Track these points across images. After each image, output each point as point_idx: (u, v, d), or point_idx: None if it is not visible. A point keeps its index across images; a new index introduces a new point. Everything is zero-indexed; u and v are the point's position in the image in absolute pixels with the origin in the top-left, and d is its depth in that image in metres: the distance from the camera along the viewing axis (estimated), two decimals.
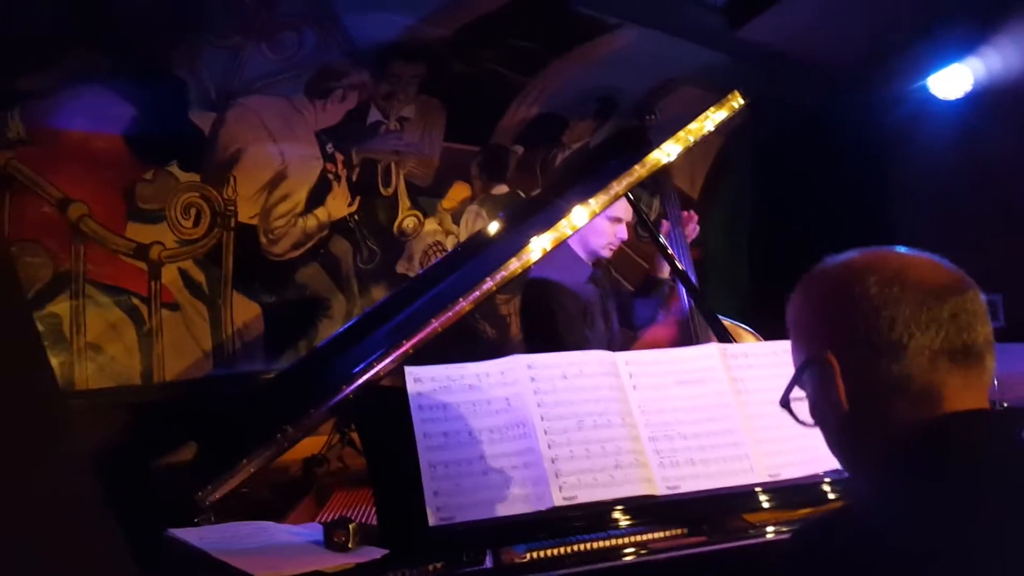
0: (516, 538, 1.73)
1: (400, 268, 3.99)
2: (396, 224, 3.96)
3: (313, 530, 1.82)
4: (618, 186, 2.47)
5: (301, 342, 3.65)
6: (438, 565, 1.63)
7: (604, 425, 1.92)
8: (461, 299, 2.17)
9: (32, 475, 1.04)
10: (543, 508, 1.78)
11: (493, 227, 2.50)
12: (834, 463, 1.13)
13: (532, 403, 1.91)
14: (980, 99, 4.02)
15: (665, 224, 3.23)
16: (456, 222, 4.18)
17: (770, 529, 1.83)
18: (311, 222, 3.66)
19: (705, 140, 2.68)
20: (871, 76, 4.10)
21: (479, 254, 2.43)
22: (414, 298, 2.35)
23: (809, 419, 1.12)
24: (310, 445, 2.31)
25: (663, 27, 3.57)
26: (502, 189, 4.32)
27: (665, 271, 3.26)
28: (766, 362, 2.12)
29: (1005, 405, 2.96)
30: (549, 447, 1.85)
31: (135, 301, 3.21)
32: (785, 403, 1.13)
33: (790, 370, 1.14)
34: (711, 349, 2.14)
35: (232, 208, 3.45)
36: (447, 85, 3.74)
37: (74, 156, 3.04)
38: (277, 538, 1.80)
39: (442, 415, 1.86)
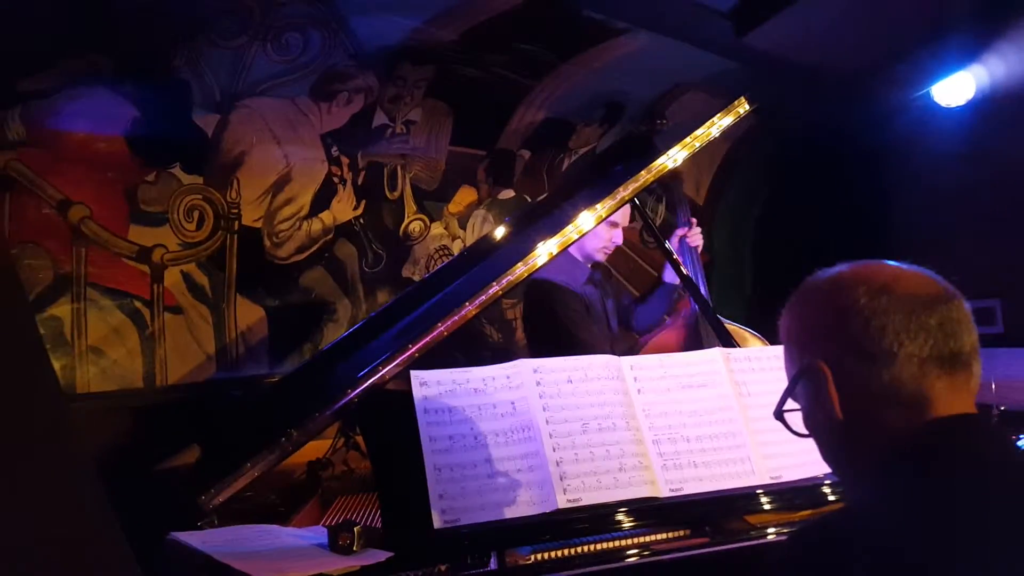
0: (521, 540, 1.73)
1: (406, 272, 3.99)
2: (402, 228, 3.96)
3: (318, 533, 1.81)
4: (625, 191, 2.48)
5: (306, 346, 3.64)
6: (443, 567, 1.63)
7: (608, 428, 1.94)
8: (467, 303, 2.18)
9: (35, 478, 1.04)
10: (547, 510, 1.79)
11: (499, 231, 2.50)
12: None
13: (537, 407, 1.93)
14: (983, 107, 4.03)
15: (680, 230, 3.24)
16: (462, 226, 4.18)
17: (771, 530, 1.84)
18: (316, 226, 3.66)
19: (711, 146, 2.69)
20: (875, 84, 4.10)
21: (485, 258, 2.43)
22: (420, 302, 2.35)
23: (803, 429, 1.16)
24: (315, 449, 2.31)
25: (670, 32, 3.56)
26: (508, 193, 4.32)
27: (672, 276, 3.27)
28: (769, 366, 2.15)
29: (1002, 409, 2.95)
30: (554, 450, 1.87)
31: (137, 304, 3.20)
32: (779, 414, 1.17)
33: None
34: (715, 354, 2.16)
35: (236, 211, 3.44)
36: (454, 88, 3.73)
37: (75, 157, 3.04)
38: (281, 541, 1.80)
39: (447, 418, 1.88)
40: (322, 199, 3.67)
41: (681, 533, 1.83)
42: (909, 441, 1.01)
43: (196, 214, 3.35)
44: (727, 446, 2.00)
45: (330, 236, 3.71)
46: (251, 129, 3.40)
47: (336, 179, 3.69)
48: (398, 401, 1.89)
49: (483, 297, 2.20)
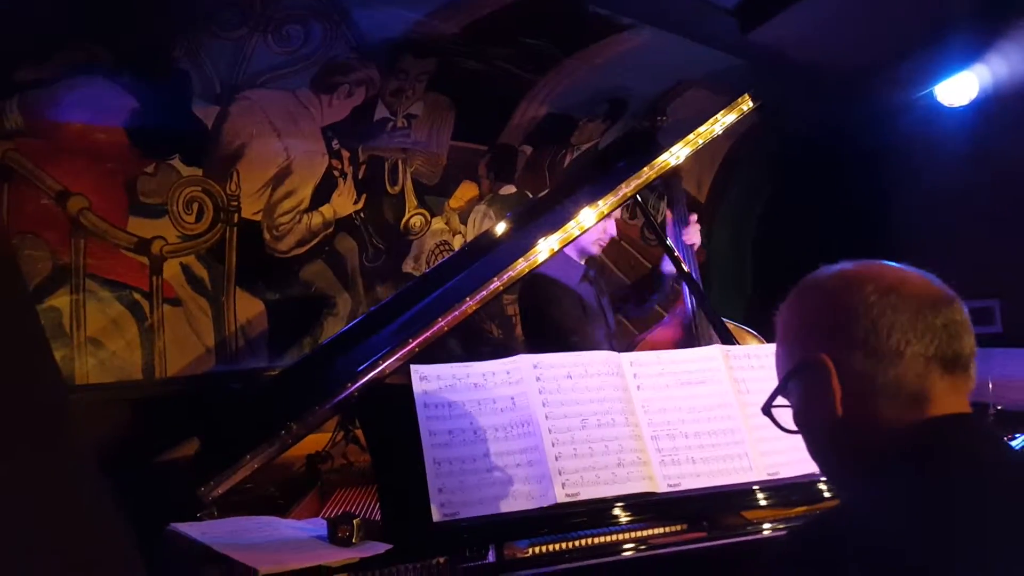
0: (519, 533, 1.74)
1: (406, 267, 3.98)
2: (403, 223, 3.95)
3: (317, 525, 1.82)
4: (627, 188, 2.47)
5: (305, 339, 3.64)
6: (441, 560, 1.63)
7: (607, 424, 1.95)
8: (468, 298, 2.18)
9: (36, 470, 1.03)
10: (546, 505, 1.81)
11: (501, 227, 2.51)
12: None
13: (537, 402, 1.94)
14: (986, 106, 4.03)
15: (670, 226, 3.24)
16: (463, 221, 4.17)
17: (767, 526, 1.86)
18: (316, 219, 3.65)
19: (713, 144, 2.68)
20: (878, 83, 4.10)
21: (486, 254, 2.44)
22: (420, 297, 2.35)
23: (792, 425, 1.16)
24: (314, 442, 2.31)
25: (674, 28, 3.56)
26: (510, 189, 4.31)
27: (669, 267, 3.28)
28: (769, 363, 2.12)
29: (999, 408, 2.96)
30: (553, 445, 1.88)
31: (136, 296, 3.19)
32: (767, 409, 1.17)
33: None
34: (714, 351, 2.18)
35: (235, 203, 3.43)
36: (456, 82, 3.72)
37: (74, 148, 3.02)
38: (281, 533, 1.80)
39: (447, 413, 1.89)
40: (322, 192, 3.66)
41: (678, 528, 1.85)
42: (906, 439, 1.02)
43: (195, 206, 3.34)
44: (725, 442, 2.01)
45: (330, 230, 3.70)
46: (251, 121, 3.38)
47: (337, 172, 3.68)
48: (398, 395, 1.90)
49: (484, 292, 2.21)
